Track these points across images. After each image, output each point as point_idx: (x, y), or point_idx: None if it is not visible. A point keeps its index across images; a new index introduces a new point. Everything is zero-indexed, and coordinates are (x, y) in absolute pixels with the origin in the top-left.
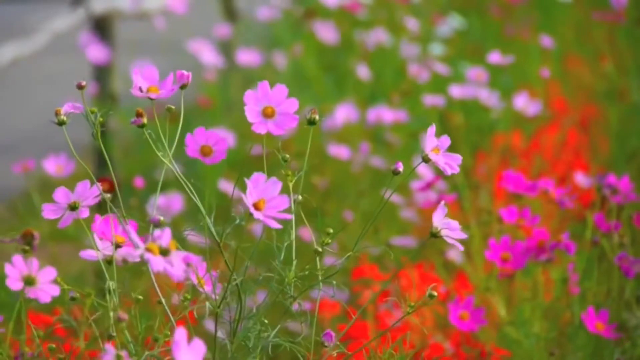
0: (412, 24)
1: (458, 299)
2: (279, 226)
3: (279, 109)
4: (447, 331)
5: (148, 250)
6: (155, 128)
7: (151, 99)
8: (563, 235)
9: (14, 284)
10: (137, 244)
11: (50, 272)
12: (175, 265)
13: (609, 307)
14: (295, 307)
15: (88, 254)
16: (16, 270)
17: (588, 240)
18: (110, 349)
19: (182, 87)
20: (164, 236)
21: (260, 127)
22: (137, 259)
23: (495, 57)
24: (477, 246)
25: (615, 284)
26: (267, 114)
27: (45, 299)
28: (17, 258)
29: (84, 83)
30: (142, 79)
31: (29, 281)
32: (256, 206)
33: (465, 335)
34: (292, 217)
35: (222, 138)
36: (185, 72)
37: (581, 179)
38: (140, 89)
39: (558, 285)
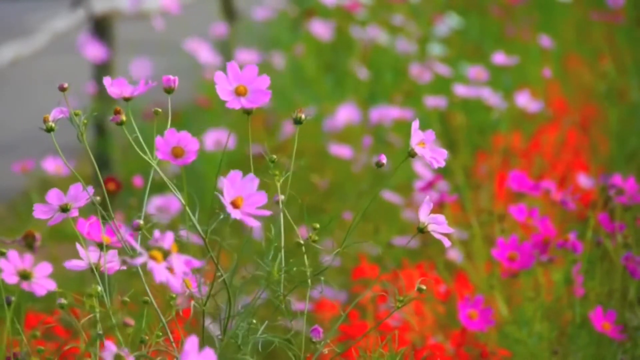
0: (409, 24)
1: (467, 297)
2: (257, 223)
3: (251, 87)
4: (447, 331)
5: (152, 257)
6: (151, 130)
7: (126, 99)
8: (570, 234)
9: (9, 277)
10: (139, 252)
11: (46, 268)
12: (177, 269)
13: (612, 307)
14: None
15: (73, 264)
16: (11, 264)
17: (590, 240)
18: (110, 347)
19: (168, 91)
20: (167, 239)
21: (235, 103)
22: (138, 266)
23: (499, 57)
24: (477, 246)
25: (617, 284)
26: (239, 93)
27: (41, 292)
28: (12, 253)
29: (66, 85)
30: (114, 85)
31: (24, 275)
32: (234, 204)
33: (466, 335)
34: (271, 213)
35: (193, 139)
36: (171, 77)
37: (583, 179)
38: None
39: (560, 285)
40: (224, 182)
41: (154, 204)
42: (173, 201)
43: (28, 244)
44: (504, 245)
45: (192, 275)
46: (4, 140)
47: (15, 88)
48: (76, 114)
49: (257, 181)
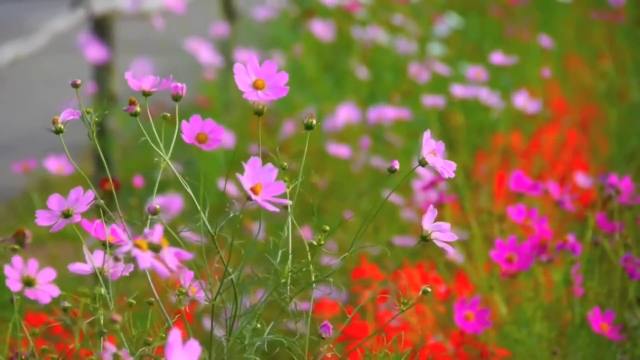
0: (409, 24)
1: (464, 299)
2: (276, 209)
3: (270, 82)
4: (447, 331)
5: (136, 246)
6: (152, 130)
7: (145, 94)
8: (569, 236)
9: (14, 285)
10: (126, 241)
11: (50, 273)
12: (168, 261)
13: (611, 307)
14: (291, 306)
15: (78, 267)
16: (15, 271)
17: (589, 240)
18: (109, 347)
19: (176, 98)
20: (155, 232)
21: (252, 95)
22: (125, 255)
23: (497, 57)
24: (477, 246)
25: (616, 284)
26: (257, 86)
27: (45, 299)
28: (17, 259)
29: (79, 82)
30: (135, 79)
31: (28, 282)
32: (253, 190)
33: (466, 335)
34: (288, 201)
35: (218, 127)
36: (179, 84)
37: (581, 179)
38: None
39: (559, 285)
40: (245, 168)
41: (154, 204)
42: (174, 201)
43: (18, 241)
44: (503, 247)
45: (184, 268)
46: (4, 140)
47: (14, 88)
48: (88, 112)
49: (275, 171)
